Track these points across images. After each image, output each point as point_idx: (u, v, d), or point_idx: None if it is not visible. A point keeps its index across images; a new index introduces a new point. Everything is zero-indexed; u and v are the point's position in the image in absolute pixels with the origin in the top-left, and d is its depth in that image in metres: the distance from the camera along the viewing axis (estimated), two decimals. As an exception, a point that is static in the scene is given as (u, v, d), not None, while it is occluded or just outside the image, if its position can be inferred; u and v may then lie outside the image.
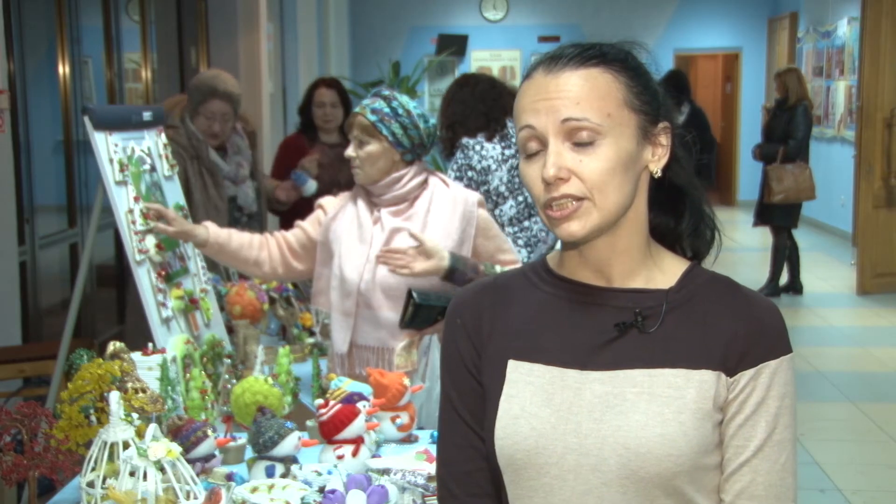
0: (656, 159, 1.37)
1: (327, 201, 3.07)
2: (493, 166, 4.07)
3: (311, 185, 4.88)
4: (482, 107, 4.19)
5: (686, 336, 1.35)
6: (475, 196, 3.00)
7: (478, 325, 1.43)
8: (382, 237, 2.91)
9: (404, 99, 2.94)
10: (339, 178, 4.79)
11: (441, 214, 2.93)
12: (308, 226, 3.04)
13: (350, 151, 2.93)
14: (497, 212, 4.09)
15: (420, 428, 2.69)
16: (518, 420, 1.35)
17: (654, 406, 1.31)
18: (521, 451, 1.34)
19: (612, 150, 1.31)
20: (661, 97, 1.38)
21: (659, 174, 1.38)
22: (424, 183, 2.97)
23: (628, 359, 1.34)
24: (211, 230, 2.95)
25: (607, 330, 1.36)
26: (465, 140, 4.10)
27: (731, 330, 1.34)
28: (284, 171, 5.00)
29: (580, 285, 1.40)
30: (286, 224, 4.91)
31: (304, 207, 4.80)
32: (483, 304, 1.44)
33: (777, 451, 1.34)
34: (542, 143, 1.33)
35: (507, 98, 4.11)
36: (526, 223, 4.09)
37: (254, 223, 4.55)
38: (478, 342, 1.42)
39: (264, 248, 3.01)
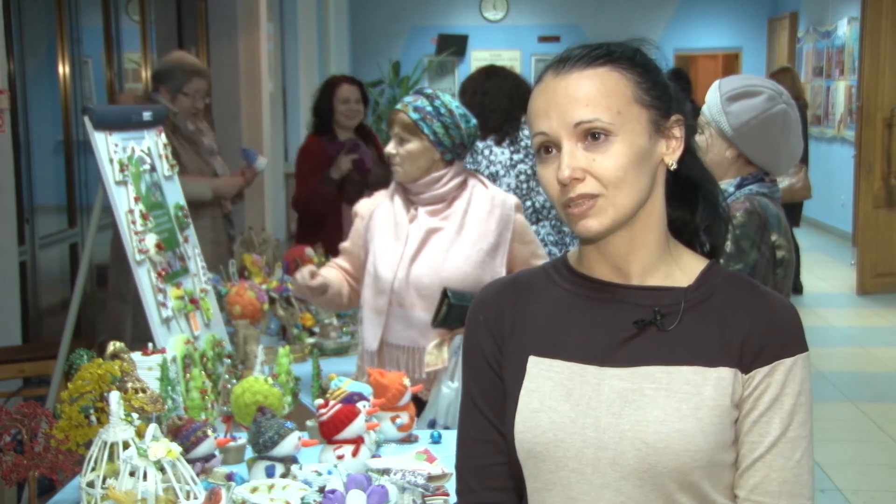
0: (671, 152, 1.38)
1: (362, 206, 3.07)
2: (502, 171, 4.07)
3: (262, 162, 4.89)
4: (506, 103, 4.17)
5: (703, 334, 1.36)
6: (513, 199, 3.00)
7: (500, 321, 1.45)
8: (418, 236, 2.90)
9: (447, 98, 2.94)
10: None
11: (478, 216, 2.92)
12: (353, 247, 3.05)
13: (390, 148, 2.93)
14: None
15: (445, 427, 2.69)
16: (538, 414, 1.37)
17: (673, 402, 1.33)
18: (541, 444, 1.36)
19: (625, 147, 1.32)
20: (672, 91, 1.39)
21: (674, 166, 1.39)
22: (463, 184, 2.96)
23: (647, 356, 1.36)
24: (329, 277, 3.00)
25: (626, 327, 1.38)
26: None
27: (747, 327, 1.36)
28: (312, 179, 4.96)
29: (599, 282, 1.41)
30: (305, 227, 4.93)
31: (332, 211, 4.83)
32: (505, 301, 1.47)
33: (791, 447, 1.35)
34: (556, 146, 1.34)
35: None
36: (534, 227, 4.08)
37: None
38: (499, 338, 1.45)
39: (343, 283, 3.05)
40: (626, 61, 1.36)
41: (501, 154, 4.09)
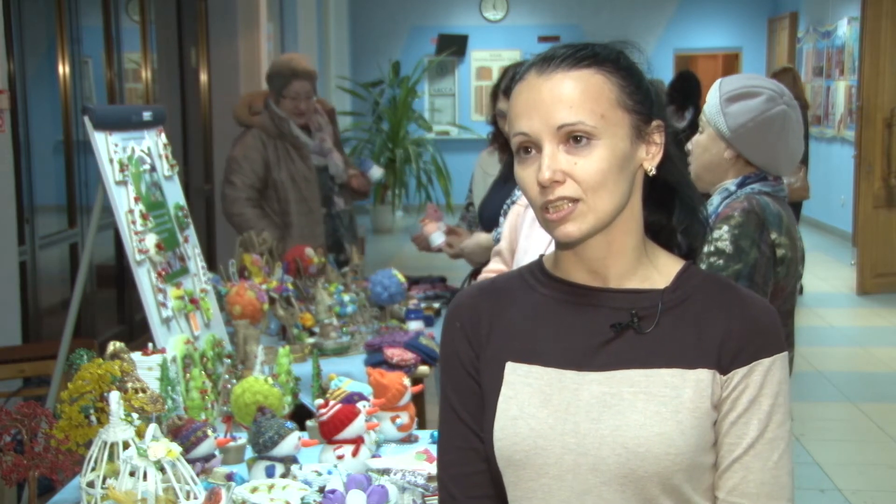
0: (650, 157, 1.37)
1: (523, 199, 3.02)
2: None
3: (375, 172, 4.99)
4: None
5: (682, 336, 1.35)
6: None
7: (476, 327, 1.43)
8: None
9: None
10: None
11: None
12: (509, 245, 3.00)
13: None
14: None
15: None
16: (516, 421, 1.36)
17: (652, 405, 1.32)
18: (520, 451, 1.35)
19: (607, 151, 1.31)
20: (653, 95, 1.37)
21: (653, 172, 1.38)
22: None
23: (625, 359, 1.35)
24: None
25: (604, 331, 1.36)
26: None
27: (725, 328, 1.35)
28: None
29: (576, 286, 1.40)
30: None
31: None
32: (481, 306, 1.45)
33: (769, 448, 1.35)
34: (536, 146, 1.33)
35: None
36: None
37: (345, 193, 4.82)
38: (476, 344, 1.43)
39: None
40: (611, 64, 1.34)
41: None
